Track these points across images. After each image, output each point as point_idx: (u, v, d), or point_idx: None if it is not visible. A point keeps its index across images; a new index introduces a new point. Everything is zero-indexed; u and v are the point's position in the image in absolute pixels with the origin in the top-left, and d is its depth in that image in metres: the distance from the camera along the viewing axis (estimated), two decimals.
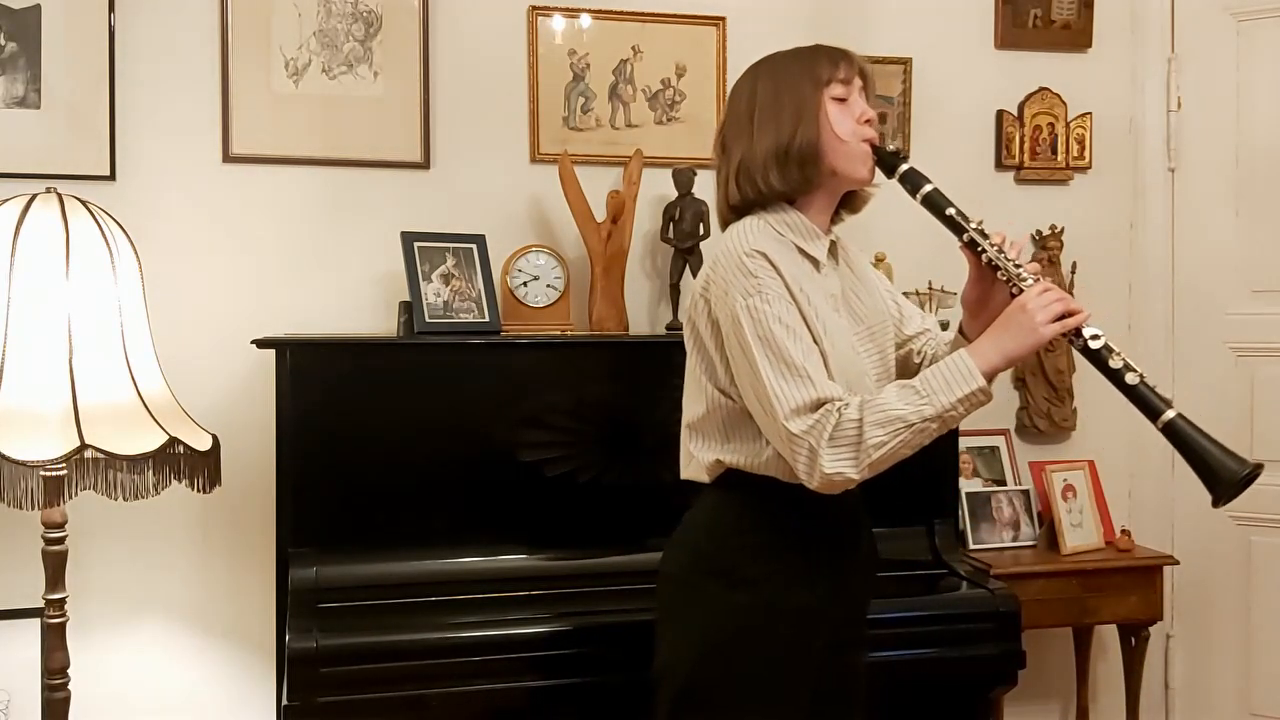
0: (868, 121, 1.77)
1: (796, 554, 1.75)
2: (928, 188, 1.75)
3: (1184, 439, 1.56)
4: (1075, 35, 3.22)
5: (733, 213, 1.81)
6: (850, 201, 1.86)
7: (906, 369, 1.93)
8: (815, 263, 1.77)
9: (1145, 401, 1.58)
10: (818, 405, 1.62)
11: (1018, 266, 1.69)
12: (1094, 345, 1.60)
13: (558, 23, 2.90)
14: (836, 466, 1.60)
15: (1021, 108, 3.19)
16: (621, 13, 2.93)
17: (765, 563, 1.74)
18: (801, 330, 1.66)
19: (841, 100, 1.75)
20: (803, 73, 1.76)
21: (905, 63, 3.10)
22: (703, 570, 1.78)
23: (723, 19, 2.99)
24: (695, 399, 1.82)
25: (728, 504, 1.79)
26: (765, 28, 3.01)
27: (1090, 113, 3.22)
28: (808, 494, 1.67)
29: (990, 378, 1.62)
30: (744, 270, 1.68)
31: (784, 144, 1.74)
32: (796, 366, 1.63)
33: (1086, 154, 3.24)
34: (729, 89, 2.94)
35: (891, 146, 1.79)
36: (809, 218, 1.78)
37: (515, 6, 2.87)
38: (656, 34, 2.95)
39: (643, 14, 2.94)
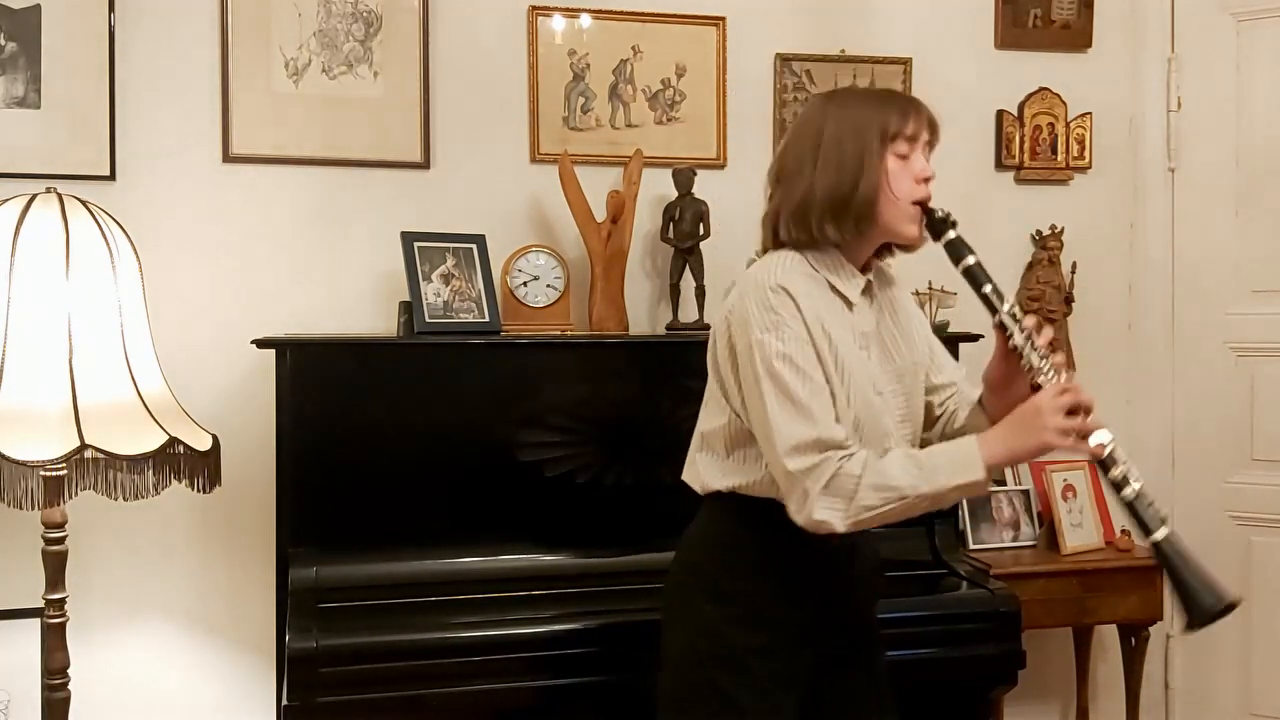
0: (925, 180, 1.76)
1: (781, 571, 1.76)
2: (970, 260, 1.75)
3: (1170, 562, 1.56)
4: (1075, 35, 3.22)
5: (777, 246, 1.81)
6: (902, 247, 1.85)
7: (925, 419, 1.93)
8: (847, 301, 1.77)
9: (1139, 516, 1.59)
10: (821, 447, 1.64)
11: (1042, 358, 1.68)
12: (1099, 454, 1.62)
13: (558, 23, 2.90)
14: (825, 515, 1.64)
15: (1021, 108, 3.19)
16: (621, 13, 2.93)
17: (748, 578, 1.77)
18: (813, 369, 1.67)
19: (904, 156, 1.75)
20: (872, 121, 1.74)
21: (905, 63, 3.10)
22: (691, 584, 1.83)
23: (723, 19, 2.99)
24: (710, 412, 1.85)
25: (718, 520, 1.83)
26: (765, 28, 3.01)
27: (1090, 113, 3.22)
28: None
29: (993, 470, 1.65)
30: (765, 304, 1.69)
31: (844, 195, 1.73)
32: (801, 404, 1.65)
33: (1086, 154, 3.24)
34: (729, 89, 2.99)
35: (941, 212, 1.77)
36: (848, 258, 1.79)
37: (515, 6, 2.87)
38: (656, 34, 2.95)
39: (643, 14, 2.94)
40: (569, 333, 2.72)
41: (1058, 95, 3.20)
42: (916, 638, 2.41)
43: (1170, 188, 3.27)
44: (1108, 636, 3.17)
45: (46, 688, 2.28)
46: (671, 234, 2.84)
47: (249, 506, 2.67)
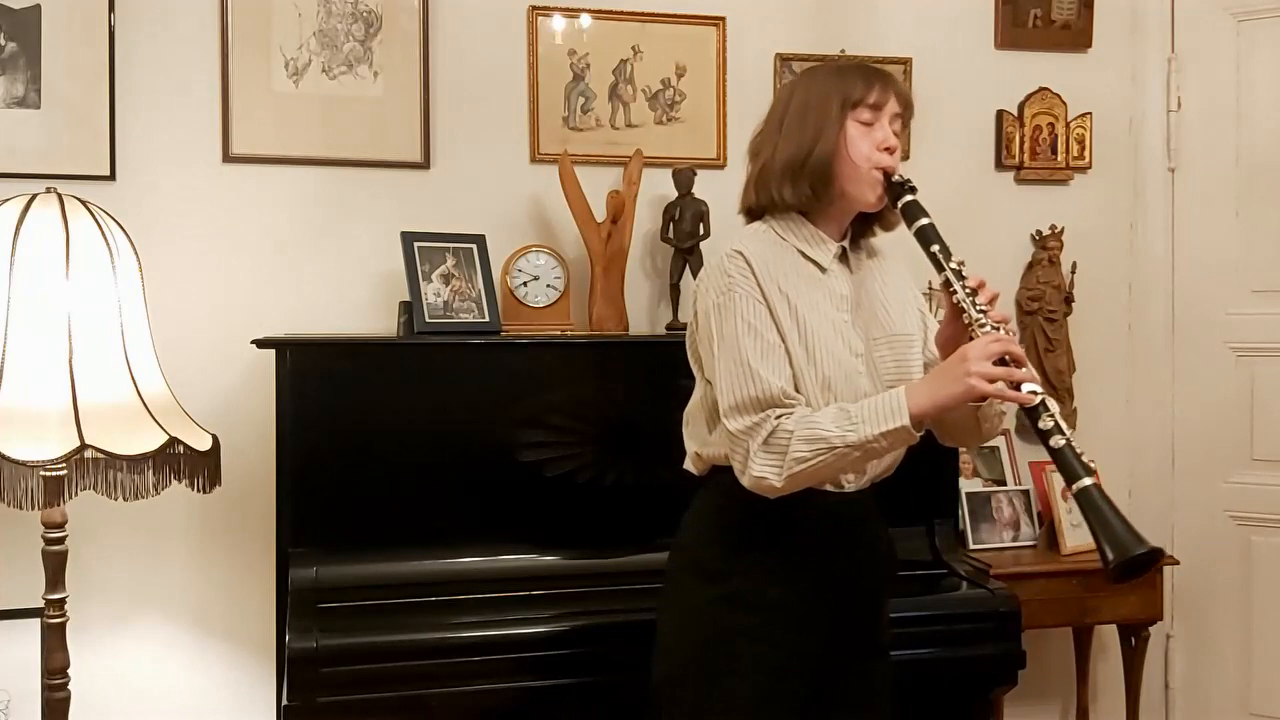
0: (887, 149, 1.77)
1: (771, 550, 1.76)
2: (924, 221, 1.76)
3: (1095, 506, 1.56)
4: (1075, 35, 3.22)
5: (748, 215, 1.88)
6: (884, 218, 1.86)
7: None
8: (819, 266, 1.79)
9: (1067, 465, 1.58)
10: (760, 405, 1.67)
11: (981, 313, 1.67)
12: (1028, 401, 1.60)
13: (558, 23, 2.90)
14: (762, 471, 1.66)
15: (1021, 108, 3.19)
16: (621, 13, 2.93)
17: (737, 557, 1.78)
18: (766, 328, 1.71)
19: (867, 124, 1.77)
20: (834, 90, 1.78)
21: (905, 63, 3.10)
22: (685, 566, 1.84)
23: (723, 19, 2.99)
24: (696, 392, 1.89)
25: (709, 500, 1.85)
26: (765, 28, 3.01)
27: (1090, 113, 3.22)
28: (793, 495, 1.70)
29: (920, 419, 1.63)
30: (721, 269, 1.75)
31: (800, 158, 1.76)
32: (745, 363, 1.68)
33: (1086, 154, 3.24)
34: (729, 89, 2.99)
35: (899, 177, 1.78)
36: (821, 227, 1.82)
37: (515, 6, 2.87)
38: (656, 34, 2.95)
39: (643, 14, 2.94)
40: (569, 333, 2.72)
41: (1058, 95, 3.20)
42: (916, 638, 2.40)
43: (1170, 188, 3.27)
44: (1108, 636, 3.17)
45: (46, 688, 2.28)
46: (671, 234, 2.84)
47: (249, 506, 2.66)
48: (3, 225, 2.11)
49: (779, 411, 1.66)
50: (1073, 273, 3.19)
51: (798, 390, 1.71)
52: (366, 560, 2.40)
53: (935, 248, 1.74)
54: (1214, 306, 3.22)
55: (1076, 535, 2.96)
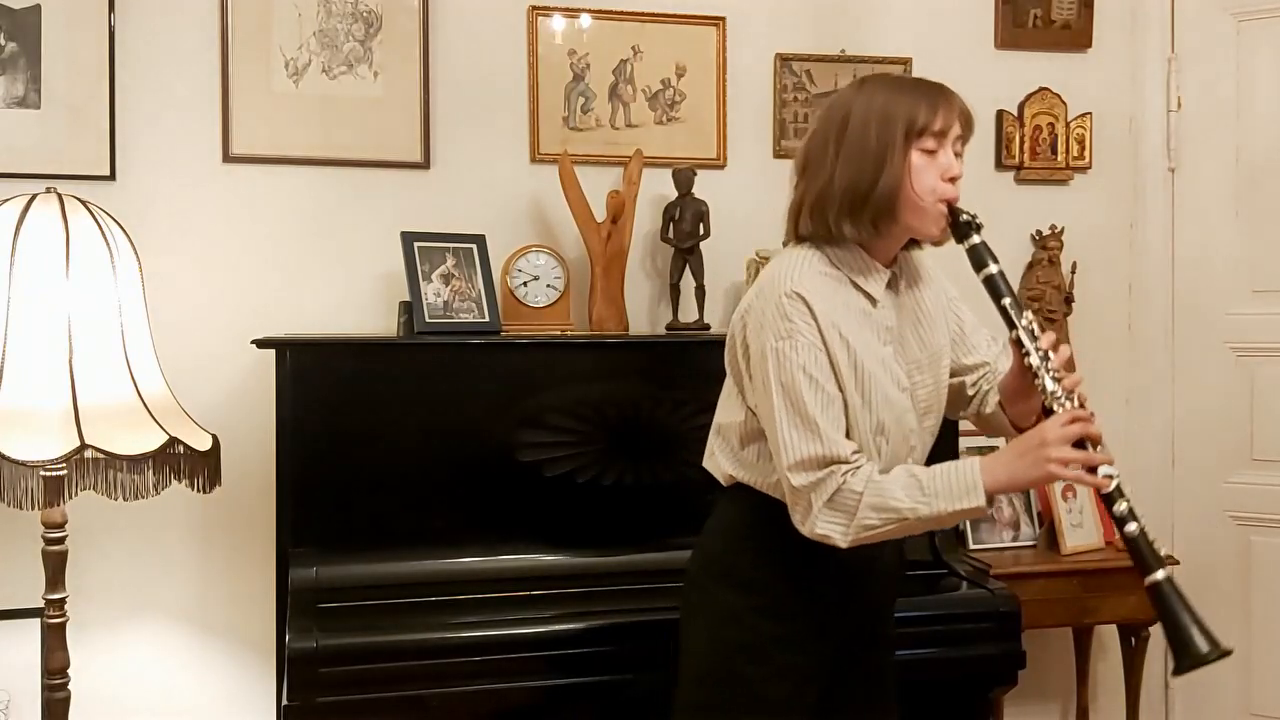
0: (951, 179, 1.70)
1: (801, 560, 1.75)
2: (993, 269, 1.71)
3: (1168, 602, 1.53)
4: (1075, 35, 3.22)
5: (797, 241, 1.78)
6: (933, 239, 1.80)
7: (959, 400, 1.92)
8: (871, 298, 1.74)
9: (1140, 555, 1.56)
10: (822, 462, 1.64)
11: (1055, 380, 1.64)
12: (1104, 488, 1.58)
13: (558, 23, 2.90)
14: (826, 529, 1.64)
15: (1021, 108, 3.19)
16: (621, 13, 2.93)
17: (769, 566, 1.77)
18: (826, 379, 1.66)
19: (931, 152, 1.68)
20: (898, 112, 1.67)
21: (905, 63, 3.10)
22: (713, 573, 1.83)
23: (723, 19, 2.99)
24: (727, 404, 1.85)
25: (739, 509, 1.83)
26: (765, 28, 3.01)
27: (1090, 113, 3.22)
28: None
29: (994, 495, 1.64)
30: (780, 312, 1.66)
31: (863, 191, 1.67)
32: (810, 419, 1.64)
33: (1086, 154, 3.24)
34: (729, 89, 2.99)
35: (967, 215, 1.71)
36: (872, 254, 1.75)
37: (515, 6, 2.87)
38: (656, 34, 2.95)
39: (643, 14, 2.94)
40: (569, 333, 2.72)
41: (1058, 95, 3.20)
42: (916, 638, 2.40)
43: (1170, 188, 3.27)
44: (1108, 636, 3.17)
45: (46, 688, 2.28)
46: (671, 234, 2.84)
47: (249, 506, 2.67)
48: (3, 225, 2.11)
49: (845, 469, 1.63)
50: (1073, 273, 3.19)
51: (849, 435, 1.68)
52: (366, 560, 2.40)
53: (1007, 301, 1.69)
54: (1214, 306, 3.22)
55: (1076, 535, 2.96)
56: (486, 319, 2.64)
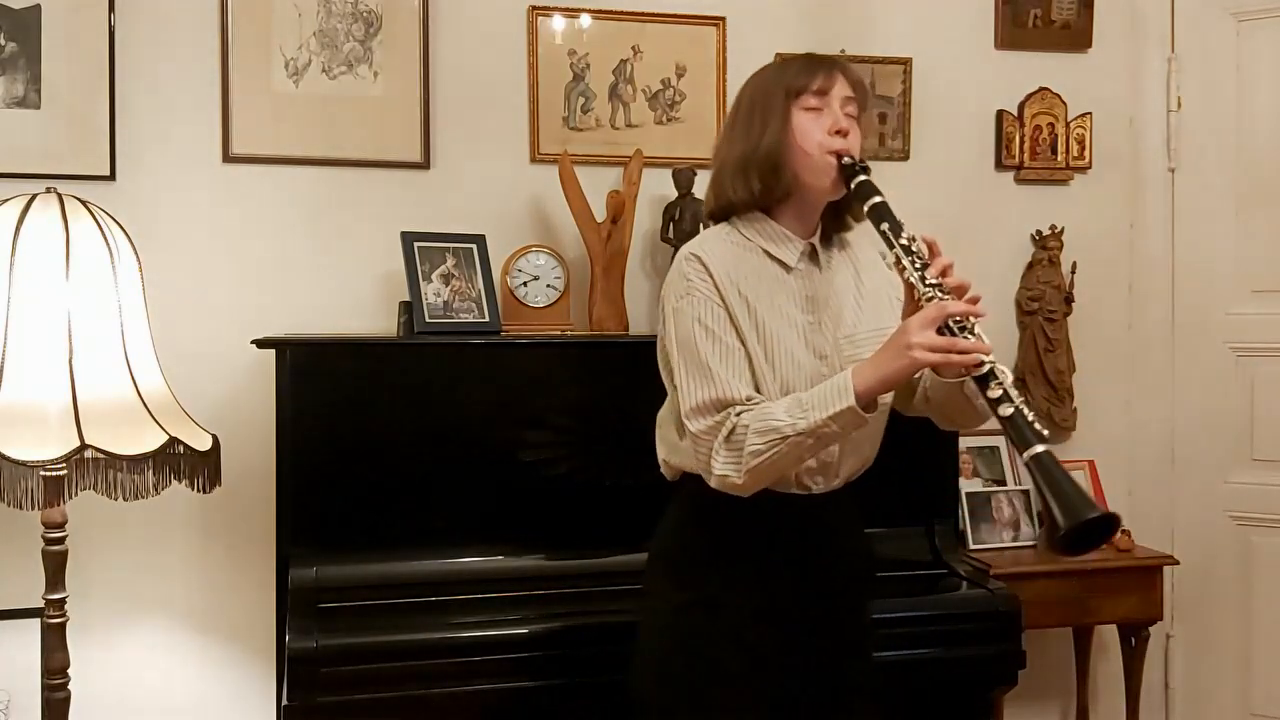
0: (838, 132, 1.74)
1: (743, 554, 1.76)
2: (877, 199, 1.70)
3: (1049, 473, 1.49)
4: (1075, 35, 3.22)
5: (711, 219, 1.86)
6: (856, 210, 1.81)
7: (904, 388, 1.88)
8: (784, 265, 1.78)
9: (1019, 431, 1.53)
10: (719, 406, 1.66)
11: (930, 286, 1.61)
12: (974, 370, 1.57)
13: (558, 23, 2.90)
14: (723, 469, 1.65)
15: (1021, 108, 3.19)
16: (621, 13, 2.93)
17: (710, 562, 1.78)
18: (724, 331, 1.70)
19: (815, 110, 1.75)
20: (778, 81, 1.78)
21: (905, 63, 3.10)
22: (660, 571, 1.85)
23: (723, 19, 2.99)
24: (668, 398, 1.87)
25: (682, 505, 1.84)
26: (765, 28, 3.01)
27: (1090, 113, 3.22)
28: (763, 499, 1.70)
29: (866, 397, 1.60)
30: (680, 273, 1.75)
31: (749, 153, 1.76)
32: (704, 365, 1.68)
33: (1086, 154, 3.24)
34: (729, 89, 2.99)
35: (851, 159, 1.73)
36: (783, 224, 1.80)
37: (515, 6, 2.87)
38: (656, 34, 2.95)
39: (643, 14, 2.94)
40: (569, 333, 2.72)
41: (1058, 95, 3.20)
42: (916, 638, 2.41)
43: (1170, 188, 3.27)
44: (1108, 636, 3.17)
45: (46, 688, 2.28)
46: (671, 234, 2.84)
47: (249, 506, 2.67)
48: (3, 225, 2.11)
49: (739, 409, 1.65)
50: (1073, 273, 3.18)
51: (759, 393, 1.70)
52: (367, 560, 2.40)
53: (885, 225, 1.69)
54: (1214, 306, 3.22)
55: None
56: (486, 319, 2.64)
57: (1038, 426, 1.53)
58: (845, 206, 1.83)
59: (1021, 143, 3.19)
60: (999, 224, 3.19)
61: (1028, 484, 3.08)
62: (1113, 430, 3.28)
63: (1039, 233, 3.19)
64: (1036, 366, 3.16)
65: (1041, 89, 3.20)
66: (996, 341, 3.26)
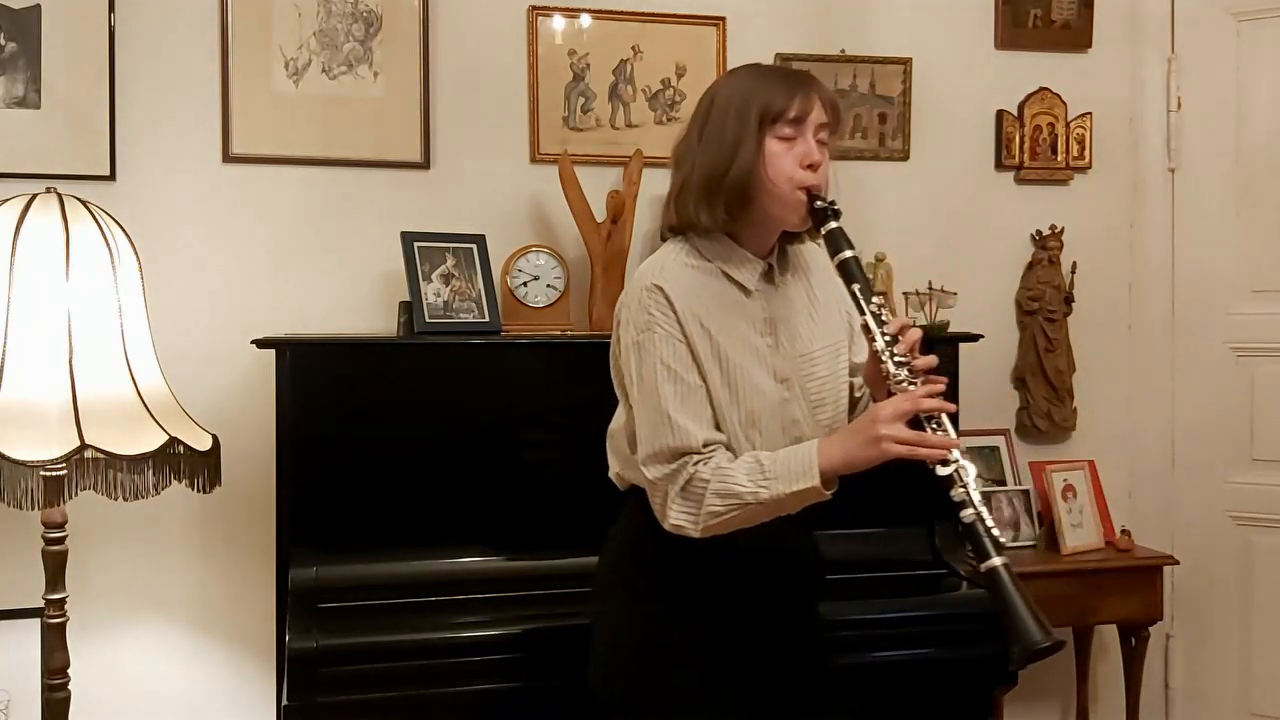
0: (810, 166, 1.67)
1: (692, 565, 1.74)
2: (847, 254, 1.67)
3: (1003, 591, 1.50)
4: (1075, 35, 3.22)
5: (670, 232, 1.80)
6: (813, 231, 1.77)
7: (852, 401, 1.88)
8: (744, 289, 1.74)
9: (977, 541, 1.53)
10: (676, 455, 1.64)
11: (899, 365, 1.60)
12: (941, 471, 1.56)
13: (558, 23, 2.90)
14: (679, 520, 1.65)
15: (1021, 108, 3.19)
16: (621, 13, 2.93)
17: (663, 575, 1.76)
18: (686, 370, 1.67)
19: (789, 139, 1.67)
20: (754, 99, 1.68)
21: (905, 63, 3.10)
22: (613, 581, 1.85)
23: (723, 19, 2.99)
24: (618, 411, 1.86)
25: (632, 517, 1.83)
26: (765, 28, 3.01)
27: (1090, 113, 3.22)
28: None
29: (829, 478, 1.60)
30: (641, 305, 1.69)
31: (717, 176, 1.68)
32: (663, 412, 1.65)
33: (1086, 154, 3.24)
34: None
35: (824, 201, 1.68)
36: (743, 244, 1.75)
37: (515, 6, 2.87)
38: (656, 34, 2.95)
39: (643, 14, 2.94)
40: (569, 333, 2.72)
41: (1058, 95, 3.20)
42: (917, 637, 2.41)
43: (1170, 188, 3.27)
44: (1108, 636, 3.17)
45: (46, 688, 2.28)
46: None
47: (249, 506, 2.67)
48: (3, 225, 2.11)
49: (696, 458, 1.63)
50: (1073, 273, 3.18)
51: (719, 429, 1.68)
52: (366, 560, 2.40)
53: (856, 286, 1.66)
54: (1214, 306, 3.22)
55: (1076, 535, 2.97)
56: (486, 319, 2.64)
57: (995, 533, 1.53)
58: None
59: (1021, 143, 3.19)
60: (999, 224, 3.19)
61: (1028, 484, 3.08)
62: (1113, 430, 3.28)
63: (1039, 233, 3.19)
64: (1036, 366, 3.16)
65: (1041, 89, 3.20)
66: (997, 341, 3.28)
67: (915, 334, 1.64)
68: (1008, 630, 1.49)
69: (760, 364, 1.72)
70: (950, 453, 1.56)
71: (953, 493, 1.55)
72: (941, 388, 1.60)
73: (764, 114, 1.67)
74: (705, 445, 1.65)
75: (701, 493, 1.62)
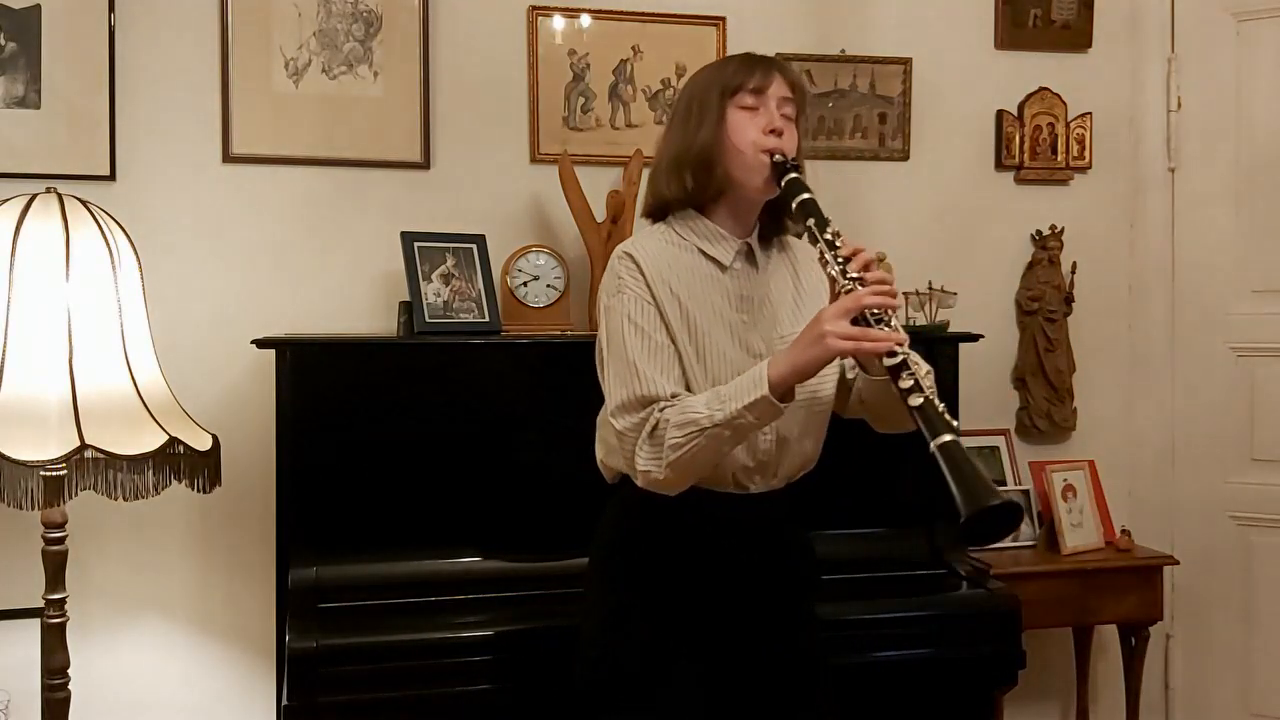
0: (772, 132, 1.74)
1: (678, 557, 1.75)
2: (804, 195, 1.70)
3: (955, 461, 1.47)
4: (1075, 35, 3.22)
5: (648, 218, 1.87)
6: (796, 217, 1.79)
7: (840, 390, 1.88)
8: (719, 264, 1.78)
9: (928, 421, 1.51)
10: (644, 403, 1.66)
11: (850, 279, 1.61)
12: (888, 362, 1.56)
13: (558, 23, 2.90)
14: (646, 465, 1.66)
15: (1021, 108, 3.19)
16: (621, 13, 2.93)
17: (642, 566, 1.78)
18: (654, 329, 1.70)
19: (751, 109, 1.75)
20: (716, 80, 1.78)
21: (905, 63, 3.10)
22: (598, 575, 1.87)
23: (723, 19, 2.99)
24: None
25: (616, 509, 1.85)
26: (765, 28, 3.01)
27: (1090, 113, 3.22)
28: (699, 499, 1.71)
29: (782, 386, 1.60)
30: (612, 271, 1.76)
31: (684, 150, 1.77)
32: (630, 363, 1.68)
33: (1086, 154, 3.24)
34: None
35: (779, 158, 1.73)
36: (718, 223, 1.80)
37: (515, 6, 2.87)
38: (656, 34, 2.95)
39: (643, 14, 2.94)
40: (569, 333, 2.72)
41: (1058, 95, 3.20)
42: (916, 637, 2.41)
43: (1170, 188, 3.27)
44: (1108, 636, 3.17)
45: (46, 688, 2.28)
46: None
47: (249, 506, 2.67)
48: (3, 225, 2.11)
49: (663, 405, 1.65)
50: (1073, 273, 3.19)
51: (689, 391, 1.70)
52: (366, 560, 2.40)
53: (811, 220, 1.69)
54: (1214, 306, 3.22)
55: (1076, 535, 2.97)
56: (486, 319, 2.64)
57: (947, 418, 1.51)
58: (784, 209, 1.80)
59: (1021, 143, 3.19)
60: (999, 224, 3.19)
61: (1028, 484, 3.08)
62: (1113, 430, 3.28)
63: (1039, 233, 3.19)
64: (1036, 366, 3.16)
65: (1041, 89, 3.20)
66: (997, 341, 3.28)
67: (866, 255, 1.66)
68: (959, 498, 1.46)
69: (729, 334, 1.75)
70: (897, 346, 1.56)
71: (900, 381, 1.54)
72: (888, 286, 1.61)
73: (724, 88, 1.76)
74: (673, 396, 1.67)
75: (663, 431, 1.63)
